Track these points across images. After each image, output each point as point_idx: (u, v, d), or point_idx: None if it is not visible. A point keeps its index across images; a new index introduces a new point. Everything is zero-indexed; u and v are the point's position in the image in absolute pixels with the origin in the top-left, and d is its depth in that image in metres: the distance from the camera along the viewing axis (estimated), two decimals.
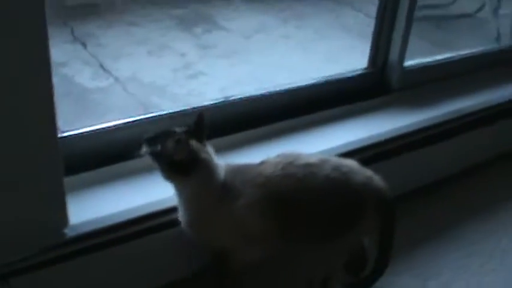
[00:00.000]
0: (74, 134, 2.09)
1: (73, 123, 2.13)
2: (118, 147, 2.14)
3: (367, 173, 2.00)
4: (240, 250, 1.99)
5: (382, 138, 2.55)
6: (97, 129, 2.15)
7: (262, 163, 1.98)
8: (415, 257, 2.47)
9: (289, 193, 1.90)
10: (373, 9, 2.85)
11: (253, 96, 2.52)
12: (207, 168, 1.90)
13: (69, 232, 1.86)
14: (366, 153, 2.44)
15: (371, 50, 2.87)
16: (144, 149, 1.91)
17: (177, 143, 1.85)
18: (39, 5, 1.54)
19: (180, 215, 1.97)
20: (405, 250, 2.43)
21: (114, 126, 2.18)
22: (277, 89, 2.59)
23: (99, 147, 2.13)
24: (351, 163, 2.00)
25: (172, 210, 2.00)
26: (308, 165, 1.92)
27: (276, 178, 1.91)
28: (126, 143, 2.11)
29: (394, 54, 2.82)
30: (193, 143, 1.88)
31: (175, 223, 1.99)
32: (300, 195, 1.90)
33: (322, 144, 2.40)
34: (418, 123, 2.68)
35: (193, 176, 1.88)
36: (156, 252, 2.07)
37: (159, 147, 1.88)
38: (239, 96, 2.48)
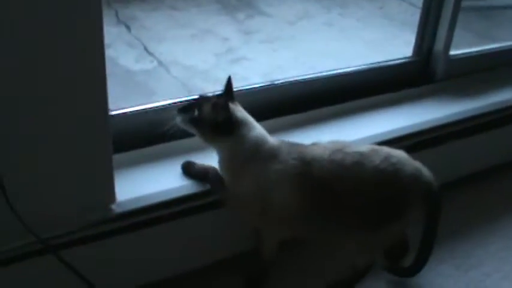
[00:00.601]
0: (122, 113, 2.13)
1: (118, 103, 2.17)
2: (164, 127, 2.17)
3: (416, 164, 2.00)
4: (265, 217, 1.99)
5: (426, 126, 2.53)
6: (143, 109, 2.19)
7: (313, 144, 2.00)
8: (456, 247, 2.46)
9: (332, 179, 1.91)
10: None
11: (297, 81, 2.52)
12: (246, 125, 1.96)
13: (116, 208, 1.90)
14: (409, 141, 2.43)
15: (416, 38, 2.85)
16: (180, 118, 1.98)
17: (215, 106, 1.93)
18: None
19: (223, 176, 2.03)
20: (447, 239, 2.43)
21: (161, 106, 2.21)
22: (321, 74, 2.60)
23: (145, 126, 2.17)
24: (400, 154, 2.00)
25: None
26: (357, 154, 1.93)
27: (321, 161, 1.92)
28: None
29: (439, 44, 2.80)
30: (230, 104, 1.96)
31: (219, 203, 2.03)
32: (345, 183, 1.91)
33: (365, 131, 2.40)
34: (462, 113, 2.66)
35: (235, 134, 1.95)
36: (200, 232, 2.11)
37: (196, 113, 1.96)
38: (283, 81, 2.49)
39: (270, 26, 4.78)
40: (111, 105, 1.80)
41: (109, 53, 1.69)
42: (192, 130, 2.00)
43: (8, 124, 1.60)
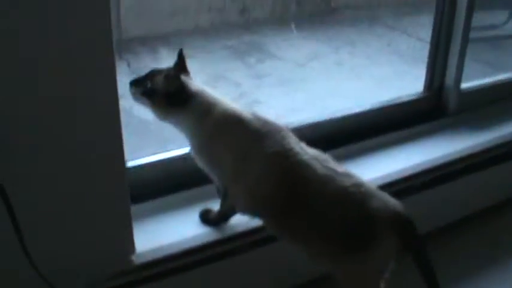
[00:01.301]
0: (138, 164, 2.15)
1: (134, 153, 2.19)
2: (181, 176, 2.18)
3: (386, 195, 1.91)
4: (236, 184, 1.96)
5: (441, 162, 2.53)
6: (159, 159, 2.21)
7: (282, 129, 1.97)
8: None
9: (302, 178, 1.87)
10: (425, 33, 2.86)
11: (310, 123, 2.53)
12: (202, 96, 1.95)
13: (136, 259, 1.91)
14: (424, 177, 2.43)
15: (427, 73, 2.87)
16: (133, 91, 1.97)
17: (167, 77, 1.93)
18: (108, 43, 1.61)
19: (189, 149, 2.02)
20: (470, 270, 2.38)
21: (175, 156, 2.23)
22: (334, 115, 2.61)
23: (162, 176, 2.19)
24: (373, 186, 1.93)
25: (235, 238, 2.04)
26: (332, 170, 1.89)
27: (298, 157, 1.89)
28: (189, 171, 2.16)
29: (450, 77, 2.81)
30: (182, 76, 1.95)
31: (239, 249, 2.04)
32: (313, 186, 1.87)
33: (379, 170, 2.40)
34: (477, 146, 2.66)
35: (189, 106, 1.93)
36: (221, 279, 2.10)
37: (149, 85, 1.95)
38: (296, 124, 2.49)
39: (281, 69, 4.82)
40: (127, 156, 1.82)
41: (123, 103, 1.71)
42: (145, 103, 1.96)
43: (27, 177, 1.62)
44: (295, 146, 1.92)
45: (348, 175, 1.91)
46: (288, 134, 1.96)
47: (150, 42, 5.05)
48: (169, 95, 1.93)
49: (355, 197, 1.86)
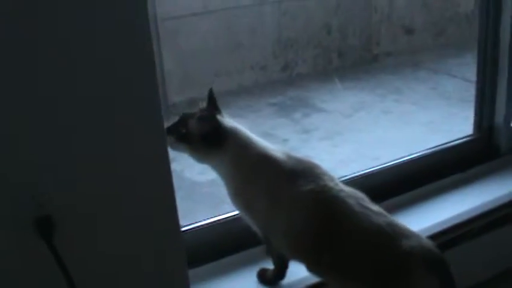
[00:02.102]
0: (193, 227, 2.17)
1: (188, 216, 2.21)
2: (236, 238, 2.19)
3: (420, 237, 1.87)
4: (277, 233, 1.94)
5: (498, 203, 2.48)
6: (213, 222, 2.22)
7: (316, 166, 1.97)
8: None
9: (337, 216, 1.86)
10: (470, 73, 2.83)
11: (360, 175, 2.53)
12: (237, 135, 1.95)
13: None
14: (481, 222, 2.39)
15: (475, 115, 2.84)
16: (170, 140, 1.94)
17: (201, 118, 1.94)
18: (157, 111, 1.64)
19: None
20: None
21: (230, 217, 2.24)
22: (384, 165, 2.59)
23: (217, 238, 2.20)
24: (408, 228, 1.89)
25: None
26: (367, 208, 1.87)
27: (333, 193, 1.88)
28: (243, 232, 2.16)
29: (499, 117, 2.78)
30: (217, 115, 1.96)
31: None
32: (346, 225, 1.85)
33: (434, 217, 2.36)
34: None
35: (226, 145, 1.93)
36: None
37: (183, 130, 1.95)
38: (347, 177, 2.49)
39: (328, 122, 4.83)
40: (181, 220, 1.83)
41: (173, 167, 1.74)
42: (183, 149, 1.96)
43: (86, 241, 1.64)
44: (330, 182, 1.91)
45: (382, 214, 1.89)
46: (322, 170, 1.95)
47: (195, 104, 5.11)
48: (206, 135, 1.94)
49: (389, 235, 1.83)
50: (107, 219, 1.65)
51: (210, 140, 1.94)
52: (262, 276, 2.09)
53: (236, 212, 2.20)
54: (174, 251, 1.81)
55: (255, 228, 2.02)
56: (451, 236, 2.28)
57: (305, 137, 4.54)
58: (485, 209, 2.44)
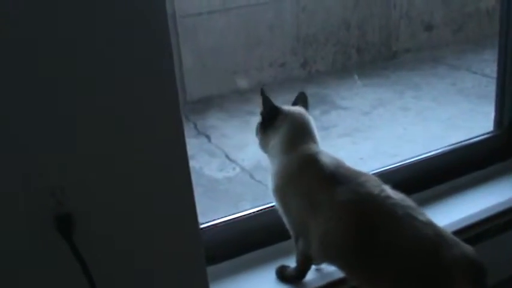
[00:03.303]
0: (212, 225, 2.17)
1: (207, 213, 2.22)
2: (255, 235, 2.19)
3: (465, 246, 1.81)
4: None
5: None
6: (232, 219, 2.22)
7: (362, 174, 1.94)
8: None
9: (380, 224, 1.82)
10: (489, 69, 2.82)
11: (379, 172, 2.49)
12: (292, 118, 2.01)
13: None
14: (503, 219, 2.37)
15: (495, 111, 2.82)
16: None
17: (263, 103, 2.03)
18: (176, 107, 1.65)
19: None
20: None
21: (249, 214, 2.24)
22: (403, 162, 2.58)
23: (236, 236, 2.20)
24: (452, 237, 1.83)
25: None
26: (414, 217, 1.81)
27: (379, 205, 1.84)
28: (262, 229, 2.17)
29: None
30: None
31: None
32: (388, 234, 1.81)
33: (455, 214, 2.35)
34: None
35: (277, 126, 1.99)
36: None
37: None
38: None
39: (347, 119, 4.82)
40: (200, 217, 1.84)
41: (192, 164, 1.74)
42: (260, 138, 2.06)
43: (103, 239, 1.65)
44: (374, 189, 1.87)
45: (431, 224, 1.83)
46: (368, 178, 1.91)
47: (214, 101, 5.15)
48: (264, 118, 2.03)
49: (434, 246, 1.78)
50: (125, 216, 1.66)
51: (266, 120, 2.02)
52: (281, 273, 2.09)
53: (254, 210, 2.21)
54: (193, 249, 1.81)
55: (288, 226, 2.02)
56: (470, 234, 2.26)
57: (324, 134, 4.51)
58: (505, 206, 2.42)
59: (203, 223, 2.11)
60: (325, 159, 1.94)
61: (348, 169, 1.94)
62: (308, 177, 1.92)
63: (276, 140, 1.99)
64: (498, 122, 2.82)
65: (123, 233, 1.67)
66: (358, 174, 1.92)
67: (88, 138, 1.54)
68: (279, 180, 1.97)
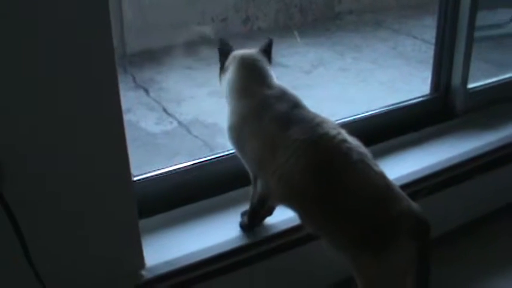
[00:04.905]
0: (145, 178, 2.14)
1: (142, 167, 2.18)
2: (188, 189, 2.17)
3: (412, 203, 1.85)
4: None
5: (451, 163, 2.50)
6: (167, 172, 2.19)
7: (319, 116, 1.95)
8: None
9: (339, 168, 1.83)
10: (430, 35, 2.83)
11: None
12: (240, 59, 2.03)
13: (146, 274, 1.89)
14: (434, 180, 2.41)
15: (433, 75, 2.85)
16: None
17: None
18: (111, 58, 1.60)
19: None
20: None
21: (183, 167, 2.21)
22: (340, 121, 2.58)
23: (170, 189, 2.17)
24: (402, 192, 1.86)
25: (244, 248, 2.02)
26: (368, 165, 1.83)
27: (332, 141, 1.85)
28: (196, 183, 2.15)
29: (456, 78, 2.79)
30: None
31: (247, 261, 2.01)
32: (346, 180, 1.81)
33: (389, 174, 2.37)
34: (486, 146, 2.64)
35: (227, 68, 2.03)
36: None
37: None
38: None
39: (287, 76, 4.80)
40: (135, 170, 1.80)
41: (129, 117, 1.71)
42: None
43: (33, 195, 1.61)
44: (332, 131, 1.87)
45: (382, 175, 1.86)
46: (325, 120, 1.92)
47: (154, 55, 5.06)
48: (220, 60, 2.08)
49: (384, 197, 1.81)
50: (57, 169, 1.62)
51: (220, 61, 2.07)
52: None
53: (189, 163, 2.19)
54: (125, 201, 1.79)
55: (246, 167, 2.01)
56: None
57: None
58: (437, 168, 2.47)
59: (137, 175, 2.07)
60: (277, 103, 1.93)
61: (305, 110, 1.95)
62: (260, 121, 1.91)
63: (225, 81, 2.00)
64: (435, 85, 2.86)
65: (52, 184, 1.63)
66: (315, 115, 1.93)
67: (21, 86, 1.49)
68: (232, 122, 1.97)
